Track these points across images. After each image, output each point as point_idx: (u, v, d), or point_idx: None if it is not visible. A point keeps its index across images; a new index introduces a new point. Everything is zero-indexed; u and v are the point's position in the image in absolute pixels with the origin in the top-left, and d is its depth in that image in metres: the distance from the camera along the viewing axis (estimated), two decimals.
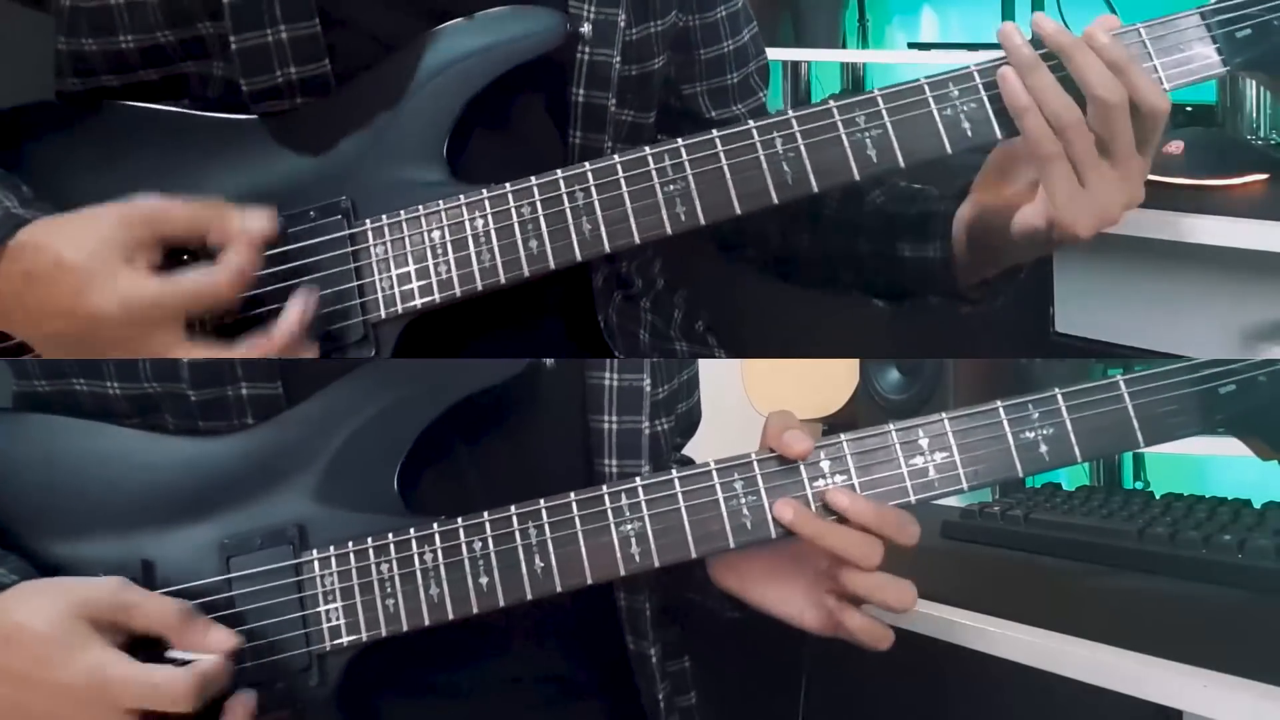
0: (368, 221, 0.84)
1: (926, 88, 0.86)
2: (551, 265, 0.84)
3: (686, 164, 0.85)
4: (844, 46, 2.01)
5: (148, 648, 0.75)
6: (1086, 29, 0.85)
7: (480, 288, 0.84)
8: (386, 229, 0.84)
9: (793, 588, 0.85)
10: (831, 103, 0.86)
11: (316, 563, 0.81)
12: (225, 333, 0.81)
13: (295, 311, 0.80)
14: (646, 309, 1.02)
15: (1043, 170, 0.86)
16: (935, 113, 0.86)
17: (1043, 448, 0.81)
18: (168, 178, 0.85)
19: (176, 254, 0.80)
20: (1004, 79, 0.85)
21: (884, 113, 0.86)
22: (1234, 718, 0.77)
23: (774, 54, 1.95)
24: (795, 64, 1.99)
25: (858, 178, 0.86)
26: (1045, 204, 0.87)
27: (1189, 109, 1.47)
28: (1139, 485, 1.53)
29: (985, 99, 0.86)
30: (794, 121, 0.85)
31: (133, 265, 0.76)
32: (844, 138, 0.85)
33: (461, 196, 0.84)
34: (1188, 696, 0.80)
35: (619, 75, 0.93)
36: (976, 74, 0.87)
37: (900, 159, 0.86)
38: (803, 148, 0.85)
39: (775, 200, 0.85)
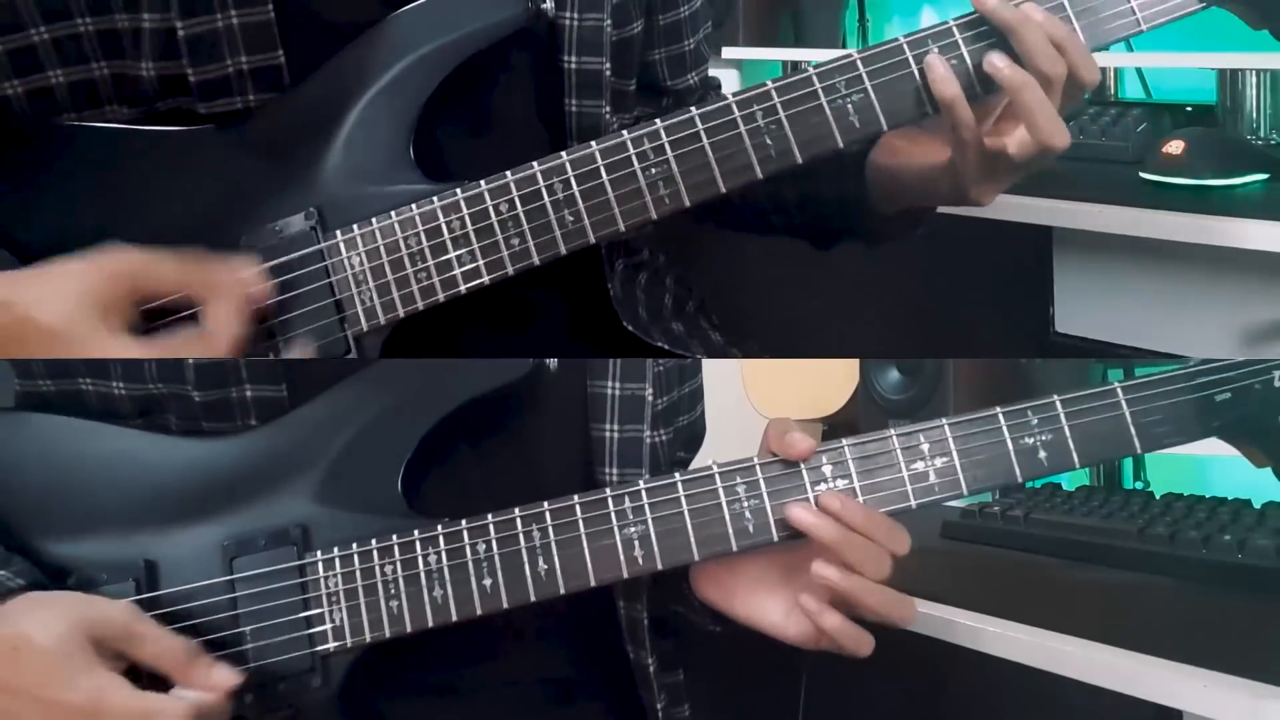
0: (339, 233, 0.82)
1: (906, 47, 0.84)
2: (535, 261, 0.82)
3: (667, 146, 0.83)
4: (844, 46, 2.01)
5: (148, 675, 0.75)
6: (1023, 5, 0.84)
7: (463, 290, 0.82)
8: (359, 239, 0.82)
9: (776, 600, 0.85)
10: (810, 70, 0.84)
11: (320, 564, 0.80)
12: None
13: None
14: (642, 284, 1.01)
15: (957, 152, 0.87)
16: (916, 73, 0.84)
17: (1042, 454, 0.82)
18: (120, 200, 0.83)
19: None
20: (931, 68, 0.83)
21: (864, 76, 0.84)
22: (1234, 718, 0.77)
23: (774, 54, 1.96)
24: (795, 64, 1.99)
25: (841, 145, 0.84)
26: (954, 172, 0.88)
27: (1189, 109, 1.47)
28: (1139, 485, 1.53)
29: (966, 54, 0.84)
30: (774, 93, 0.84)
31: (109, 327, 0.73)
32: (825, 105, 0.83)
33: (435, 199, 0.82)
34: (1188, 696, 0.81)
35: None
36: (956, 30, 0.85)
37: (884, 122, 0.84)
38: (784, 119, 0.83)
39: (760, 175, 0.83)
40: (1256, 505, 1.18)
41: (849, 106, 0.84)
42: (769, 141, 0.83)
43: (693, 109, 0.83)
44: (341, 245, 0.82)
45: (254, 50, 0.82)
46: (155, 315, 0.79)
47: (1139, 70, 1.59)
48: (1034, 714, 1.16)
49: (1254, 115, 1.40)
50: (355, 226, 0.82)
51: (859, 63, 0.84)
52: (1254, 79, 1.39)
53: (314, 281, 0.82)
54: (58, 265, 0.75)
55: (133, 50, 0.82)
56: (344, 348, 0.82)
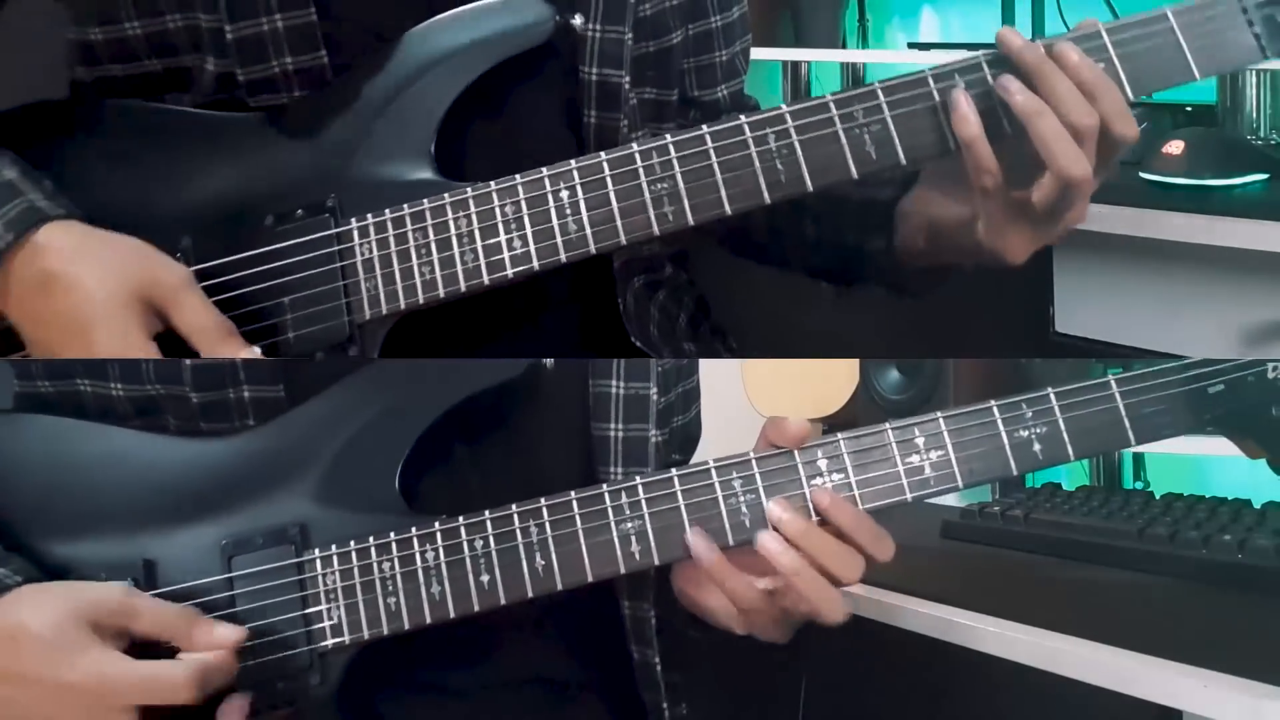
0: (353, 221, 0.83)
1: (930, 80, 0.82)
2: (535, 267, 0.82)
3: (675, 162, 0.82)
4: (844, 46, 2.01)
5: (153, 653, 0.75)
6: (1057, 46, 0.81)
7: (464, 289, 0.82)
8: (371, 229, 0.83)
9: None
10: (829, 96, 0.83)
11: (318, 561, 0.81)
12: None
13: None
14: (659, 302, 1.01)
15: (978, 200, 0.84)
16: (939, 107, 0.82)
17: (1036, 446, 0.82)
18: (164, 174, 0.85)
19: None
20: (955, 104, 0.81)
21: (884, 106, 0.82)
22: (1234, 718, 0.77)
23: (774, 54, 1.96)
24: (795, 64, 1.99)
25: (855, 176, 0.82)
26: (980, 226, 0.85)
27: (1189, 109, 1.47)
28: (1139, 485, 1.53)
29: (995, 91, 0.82)
30: (788, 117, 0.82)
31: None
32: (841, 134, 0.82)
33: (445, 195, 0.83)
34: (1188, 696, 0.81)
35: (638, 52, 0.92)
36: (985, 64, 0.83)
37: (901, 156, 0.82)
38: (797, 144, 0.82)
39: (768, 200, 0.82)
40: (1256, 505, 1.18)
41: (866, 137, 0.82)
42: (780, 166, 0.82)
43: (704, 126, 0.83)
44: (355, 232, 0.83)
45: (298, 51, 0.85)
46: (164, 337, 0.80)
47: None
48: (1034, 714, 1.16)
49: (1254, 115, 1.40)
50: (369, 216, 0.83)
51: (879, 92, 0.82)
52: (1254, 79, 1.39)
53: (325, 265, 0.83)
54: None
55: (189, 49, 0.86)
56: (346, 333, 0.83)
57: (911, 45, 1.94)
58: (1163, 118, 1.44)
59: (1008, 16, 1.70)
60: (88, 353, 0.77)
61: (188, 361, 0.83)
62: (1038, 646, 0.92)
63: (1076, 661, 0.88)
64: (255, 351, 0.80)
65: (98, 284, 0.77)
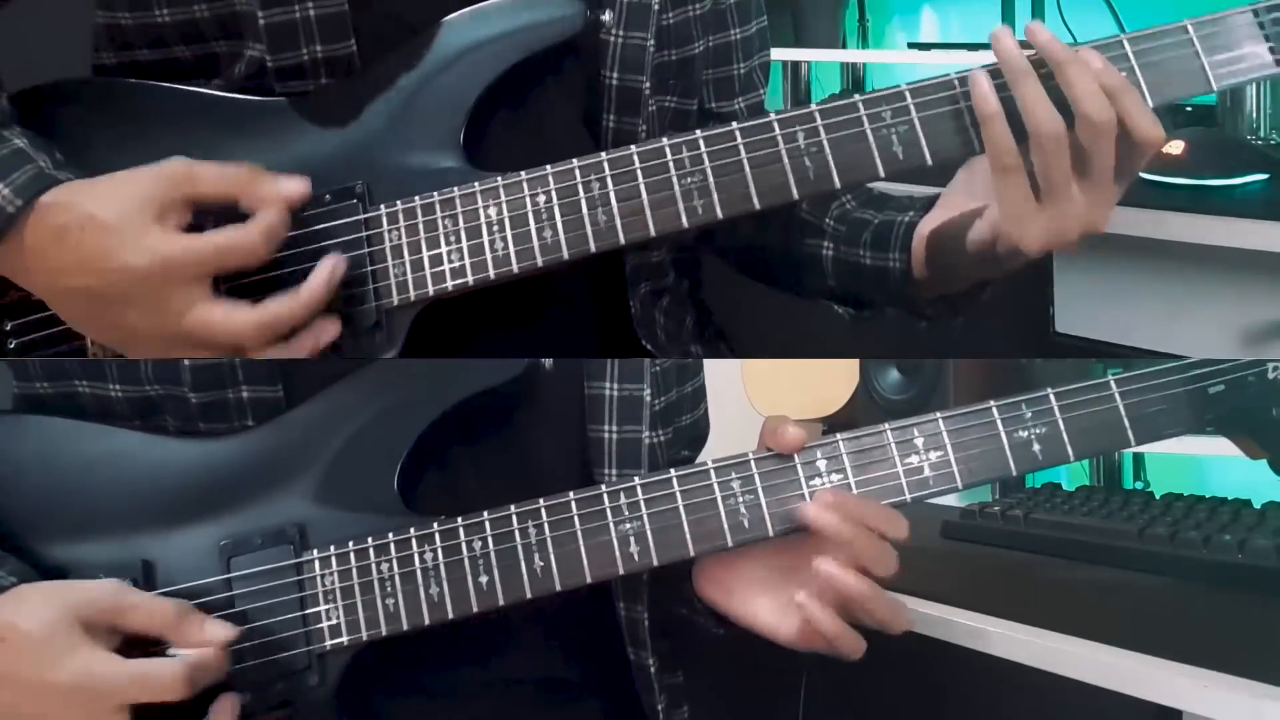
0: (382, 206, 0.84)
1: (956, 83, 0.84)
2: (565, 256, 0.83)
3: (705, 156, 0.83)
4: (844, 46, 2.01)
5: (146, 650, 0.76)
6: (1081, 50, 0.83)
7: (493, 276, 0.83)
8: (401, 214, 0.84)
9: (772, 599, 0.85)
10: (857, 97, 0.84)
11: (317, 562, 0.81)
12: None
13: (324, 271, 0.80)
14: (664, 307, 1.02)
15: (997, 180, 0.84)
16: (964, 110, 0.83)
17: (1036, 446, 0.82)
18: (192, 157, 0.83)
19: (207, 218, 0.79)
20: (975, 82, 0.82)
21: (911, 107, 0.83)
22: (1234, 718, 0.77)
23: (774, 54, 1.96)
24: (795, 64, 1.99)
25: (883, 175, 0.84)
26: (994, 215, 0.85)
27: (1189, 109, 1.47)
28: (1139, 485, 1.53)
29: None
30: (817, 115, 0.84)
31: (163, 223, 0.77)
32: (869, 133, 0.83)
33: (476, 184, 0.83)
34: (1188, 696, 0.80)
35: (660, 60, 0.93)
36: None
37: (927, 157, 0.84)
38: (826, 142, 0.83)
39: (795, 195, 0.83)
40: (1256, 505, 1.18)
41: (893, 137, 0.83)
42: (808, 163, 0.83)
43: (734, 124, 0.84)
44: (384, 218, 0.84)
45: (328, 39, 0.85)
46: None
47: None
48: (1034, 714, 1.16)
49: (1254, 115, 1.40)
50: (399, 202, 0.84)
51: (907, 94, 0.84)
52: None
53: (353, 250, 0.83)
54: (119, 174, 0.78)
55: (217, 36, 0.87)
56: (373, 318, 0.83)
57: (911, 45, 1.94)
58: (1163, 118, 1.43)
59: (1008, 16, 1.70)
60: (119, 276, 0.76)
61: (186, 362, 0.83)
62: (1038, 646, 0.92)
63: (1076, 661, 0.88)
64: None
65: (106, 208, 0.77)
